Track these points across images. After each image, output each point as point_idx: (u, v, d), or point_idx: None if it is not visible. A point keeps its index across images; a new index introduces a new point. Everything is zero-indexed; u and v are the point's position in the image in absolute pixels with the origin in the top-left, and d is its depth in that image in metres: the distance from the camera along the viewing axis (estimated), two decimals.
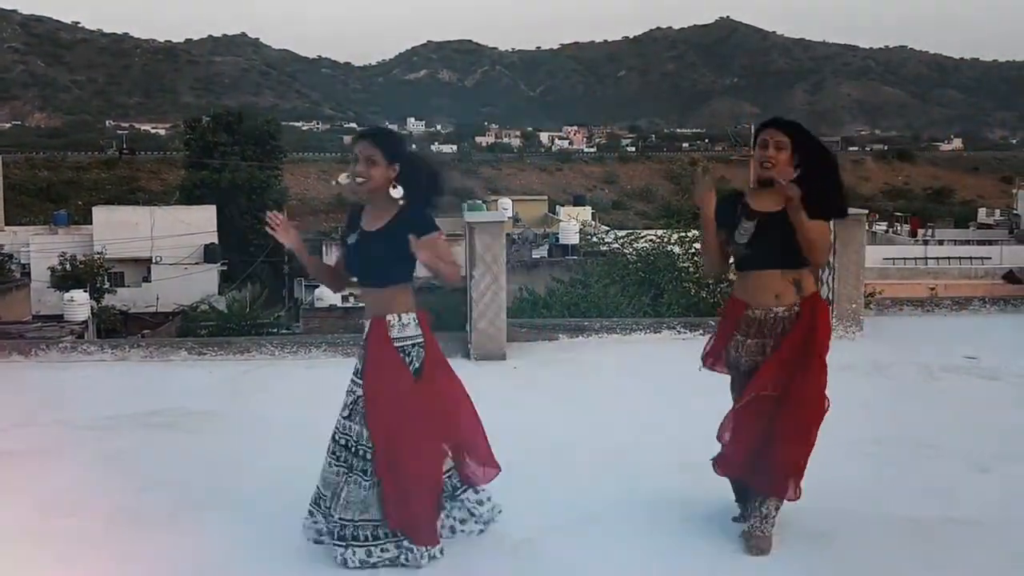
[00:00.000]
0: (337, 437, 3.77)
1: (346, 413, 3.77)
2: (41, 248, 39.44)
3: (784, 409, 3.86)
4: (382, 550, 3.71)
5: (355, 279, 3.90)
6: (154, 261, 39.43)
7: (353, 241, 3.81)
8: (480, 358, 7.73)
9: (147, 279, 39.08)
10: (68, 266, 36.42)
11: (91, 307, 32.28)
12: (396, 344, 3.70)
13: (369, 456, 3.66)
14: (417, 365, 3.72)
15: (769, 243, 3.86)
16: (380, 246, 3.71)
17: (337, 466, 3.75)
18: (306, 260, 3.95)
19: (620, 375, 7.42)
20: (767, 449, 3.89)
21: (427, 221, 3.72)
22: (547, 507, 4.44)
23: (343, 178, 3.80)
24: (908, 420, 6.03)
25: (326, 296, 32.65)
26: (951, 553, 4.04)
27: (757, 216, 3.88)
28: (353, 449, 3.71)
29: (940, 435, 5.67)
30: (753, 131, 3.98)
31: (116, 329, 21.83)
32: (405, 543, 3.71)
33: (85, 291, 32.97)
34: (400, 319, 3.73)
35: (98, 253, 35.94)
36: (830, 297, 8.29)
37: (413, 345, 3.72)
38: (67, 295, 31.97)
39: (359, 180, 3.72)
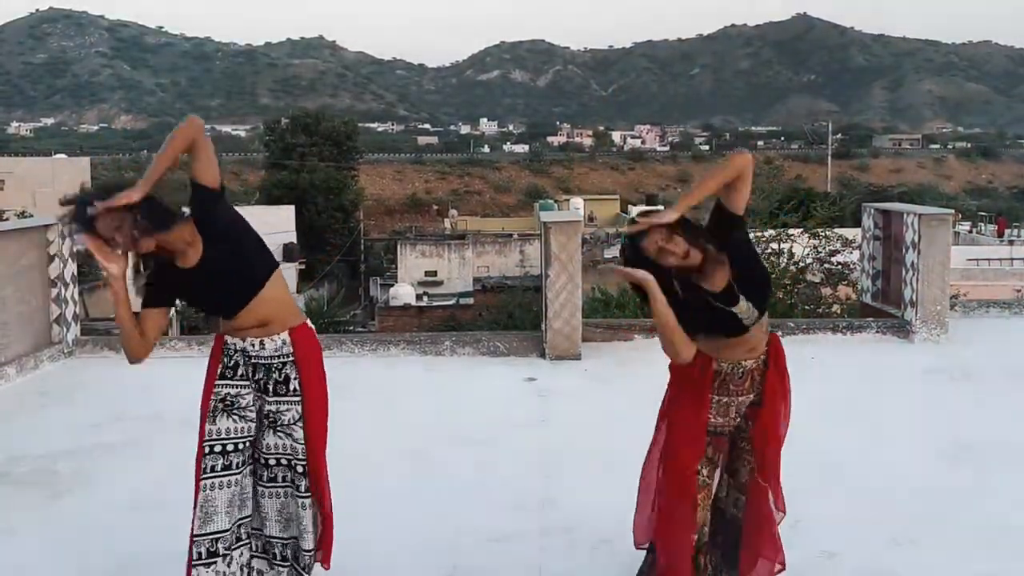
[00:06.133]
0: (260, 457, 3.34)
1: (267, 428, 3.32)
2: None
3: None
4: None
5: (239, 299, 3.36)
6: None
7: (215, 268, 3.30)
8: (555, 358, 7.76)
9: None
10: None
11: (175, 305, 33.21)
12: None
13: (301, 469, 3.31)
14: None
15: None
16: (229, 251, 3.31)
17: (264, 486, 3.35)
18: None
19: None
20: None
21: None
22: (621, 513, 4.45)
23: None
24: (995, 424, 5.90)
25: (401, 295, 33.05)
26: None
27: None
28: (289, 464, 3.31)
29: None
30: None
31: (198, 327, 22.43)
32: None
33: None
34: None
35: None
36: (914, 298, 8.13)
37: None
38: None
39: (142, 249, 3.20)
